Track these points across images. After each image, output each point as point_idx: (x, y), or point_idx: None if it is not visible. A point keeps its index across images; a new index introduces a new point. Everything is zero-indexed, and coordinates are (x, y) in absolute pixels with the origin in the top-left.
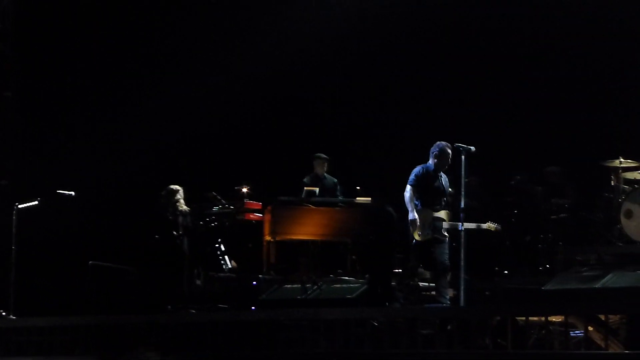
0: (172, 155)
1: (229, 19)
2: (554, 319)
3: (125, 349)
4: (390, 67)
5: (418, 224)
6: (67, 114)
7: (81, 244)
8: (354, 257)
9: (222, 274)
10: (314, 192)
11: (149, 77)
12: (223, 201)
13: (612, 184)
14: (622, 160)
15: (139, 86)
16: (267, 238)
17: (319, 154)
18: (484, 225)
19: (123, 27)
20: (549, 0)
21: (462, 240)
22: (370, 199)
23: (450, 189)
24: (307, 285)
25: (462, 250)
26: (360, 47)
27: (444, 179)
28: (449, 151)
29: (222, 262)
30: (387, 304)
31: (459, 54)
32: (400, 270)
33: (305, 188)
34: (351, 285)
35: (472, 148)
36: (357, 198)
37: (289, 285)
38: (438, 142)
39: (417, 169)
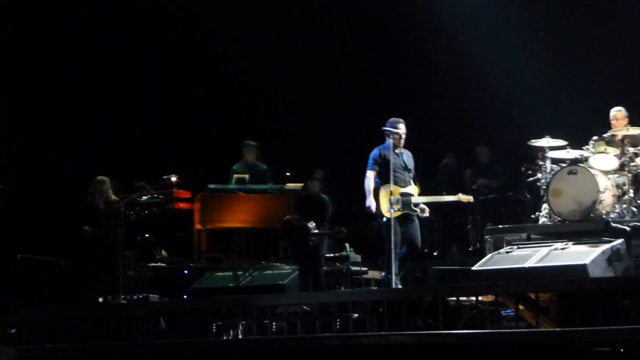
0: (100, 146)
1: None
2: (484, 298)
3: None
4: (318, 51)
5: (373, 209)
6: None
7: (9, 237)
8: (285, 243)
9: (153, 264)
10: (244, 179)
11: (74, 65)
12: (152, 191)
13: (540, 163)
14: (549, 139)
15: (64, 75)
16: (198, 227)
17: (248, 141)
18: (454, 198)
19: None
20: None
21: (392, 223)
22: (301, 185)
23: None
24: (239, 273)
25: (393, 234)
26: (285, 32)
27: (406, 155)
28: (401, 126)
29: (153, 251)
30: (318, 289)
31: (381, 32)
32: (333, 256)
33: (234, 176)
34: (283, 271)
35: (399, 130)
36: (288, 185)
37: (220, 273)
38: (390, 119)
39: (374, 152)
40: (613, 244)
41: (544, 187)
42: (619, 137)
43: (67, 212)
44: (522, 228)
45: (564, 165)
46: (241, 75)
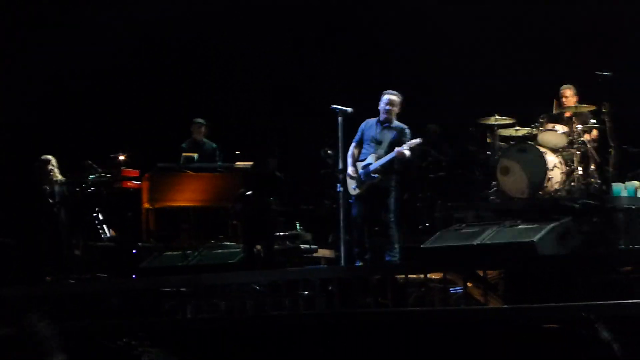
0: (46, 124)
1: None
2: (433, 276)
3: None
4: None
5: (348, 180)
6: None
7: None
8: (234, 222)
9: (101, 243)
10: (193, 157)
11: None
12: (99, 169)
13: (488, 141)
14: (497, 117)
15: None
16: (146, 205)
17: (196, 119)
18: (393, 154)
19: None
20: None
21: (341, 201)
22: (251, 163)
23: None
24: (188, 252)
25: (342, 210)
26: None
27: (392, 130)
28: (390, 98)
29: (101, 231)
30: (269, 268)
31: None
32: (284, 234)
33: (183, 154)
34: (232, 250)
35: (349, 110)
36: (237, 163)
37: (169, 253)
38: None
39: (362, 124)
40: (562, 221)
41: (493, 165)
42: (568, 115)
43: (13, 192)
44: (471, 206)
45: (512, 143)
46: (191, 52)
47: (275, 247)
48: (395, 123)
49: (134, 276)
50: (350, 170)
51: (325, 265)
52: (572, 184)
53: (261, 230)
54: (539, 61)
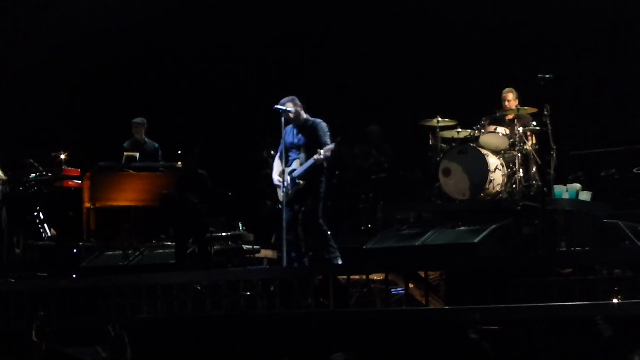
0: None
1: None
2: (375, 277)
3: None
4: (210, 30)
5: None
6: None
7: None
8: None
9: (41, 242)
10: (134, 157)
11: None
12: (40, 168)
13: (430, 142)
14: (439, 119)
15: None
16: (87, 205)
17: (135, 119)
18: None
19: None
20: None
21: (284, 201)
22: (179, 163)
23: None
24: (129, 252)
25: (285, 210)
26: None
27: (307, 129)
28: (285, 105)
29: (42, 230)
30: (204, 267)
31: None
32: (225, 234)
33: (125, 153)
34: (173, 250)
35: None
36: (179, 163)
37: (110, 252)
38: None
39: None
40: (503, 223)
41: (435, 166)
42: (510, 117)
43: None
44: (413, 207)
45: (454, 144)
46: (132, 51)
47: (217, 247)
48: (309, 121)
49: (74, 275)
50: (275, 178)
51: (266, 266)
52: (514, 186)
53: (189, 228)
54: (481, 64)
